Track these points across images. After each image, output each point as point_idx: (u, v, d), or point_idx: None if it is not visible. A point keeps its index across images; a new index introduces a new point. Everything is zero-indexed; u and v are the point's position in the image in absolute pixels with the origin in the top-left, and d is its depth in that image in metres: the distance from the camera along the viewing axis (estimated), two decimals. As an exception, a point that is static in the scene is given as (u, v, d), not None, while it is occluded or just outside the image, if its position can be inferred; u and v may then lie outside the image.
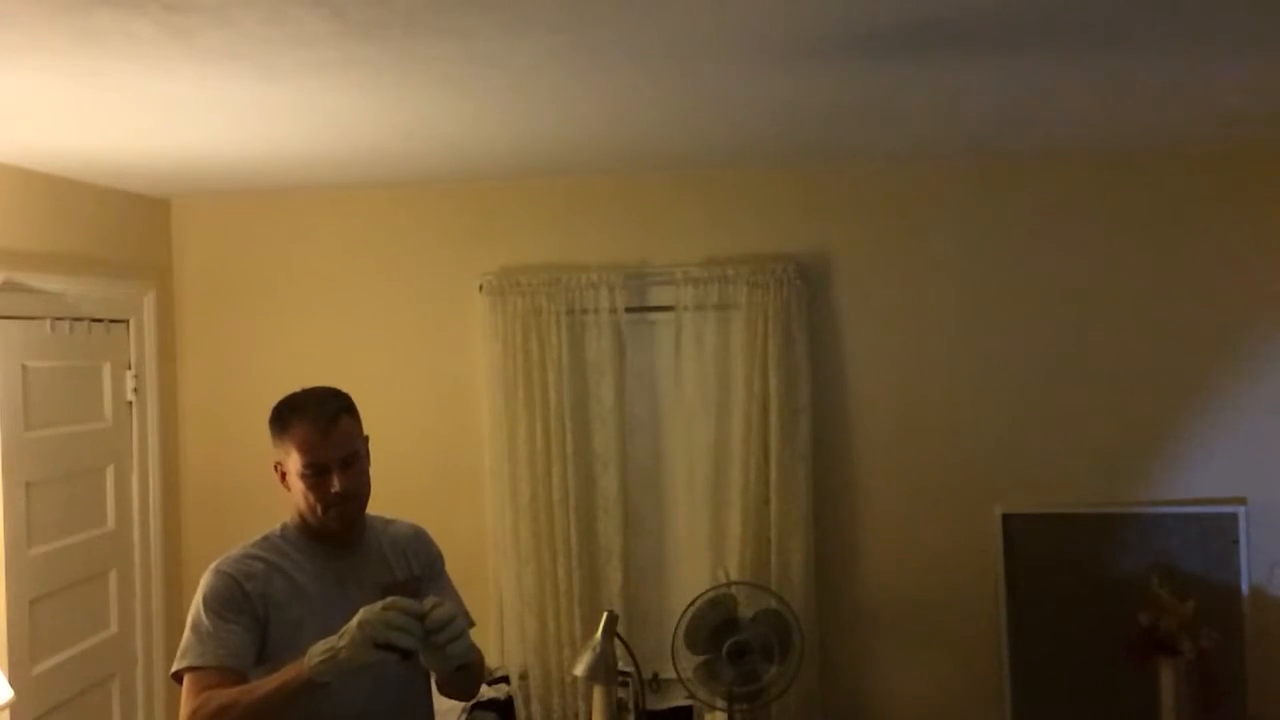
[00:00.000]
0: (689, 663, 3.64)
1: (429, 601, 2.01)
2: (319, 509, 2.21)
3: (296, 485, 2.22)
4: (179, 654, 2.13)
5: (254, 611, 2.15)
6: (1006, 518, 4.03)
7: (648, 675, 3.96)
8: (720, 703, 3.66)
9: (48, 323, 3.63)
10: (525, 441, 4.11)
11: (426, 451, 4.22)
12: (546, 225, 4.25)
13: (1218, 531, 3.91)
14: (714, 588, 3.71)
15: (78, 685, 3.73)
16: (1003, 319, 4.07)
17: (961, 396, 4.09)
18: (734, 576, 3.92)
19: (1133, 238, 4.01)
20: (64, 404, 3.71)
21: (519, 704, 4.09)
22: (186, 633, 2.15)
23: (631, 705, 3.75)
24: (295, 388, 4.64)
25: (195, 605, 2.16)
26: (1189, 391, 3.99)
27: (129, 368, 4.07)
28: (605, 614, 3.41)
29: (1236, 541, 3.89)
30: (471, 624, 2.39)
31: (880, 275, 4.13)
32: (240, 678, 2.08)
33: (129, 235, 4.17)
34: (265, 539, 2.28)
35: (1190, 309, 3.99)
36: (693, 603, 3.64)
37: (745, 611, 3.66)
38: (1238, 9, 2.30)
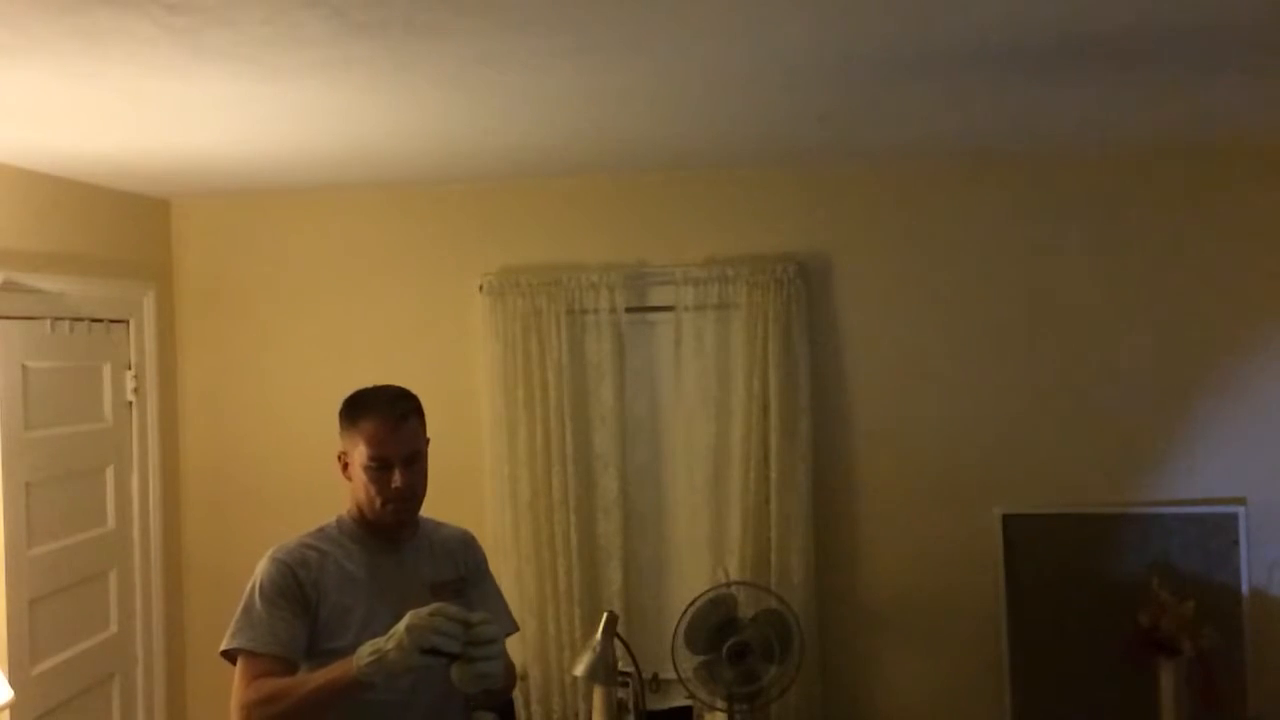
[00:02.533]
0: (689, 663, 3.64)
1: (479, 615, 2.07)
2: (378, 502, 2.29)
3: (359, 477, 2.30)
4: (230, 633, 2.22)
5: (305, 599, 2.23)
6: (1006, 518, 4.03)
7: (648, 675, 3.95)
8: (720, 703, 3.66)
9: (48, 323, 3.63)
10: (525, 441, 4.11)
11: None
12: (546, 225, 4.25)
13: (1218, 531, 3.91)
14: (714, 588, 3.71)
15: (78, 685, 3.73)
16: (1003, 319, 4.07)
17: (961, 396, 4.08)
18: (734, 576, 3.92)
19: (1133, 238, 4.01)
20: (64, 404, 3.71)
21: (519, 704, 4.09)
22: (239, 614, 2.24)
23: (631, 705, 3.74)
24: (295, 387, 4.67)
25: (250, 589, 2.25)
26: (1189, 392, 3.99)
27: (129, 368, 4.07)
28: (605, 614, 3.41)
29: (1236, 541, 3.89)
30: (515, 629, 2.43)
31: (880, 275, 4.13)
32: (291, 667, 2.18)
33: (129, 235, 4.17)
34: (321, 530, 2.36)
35: (1190, 309, 3.98)
36: (693, 603, 3.64)
37: (745, 611, 3.66)
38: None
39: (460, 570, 2.43)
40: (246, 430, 4.36)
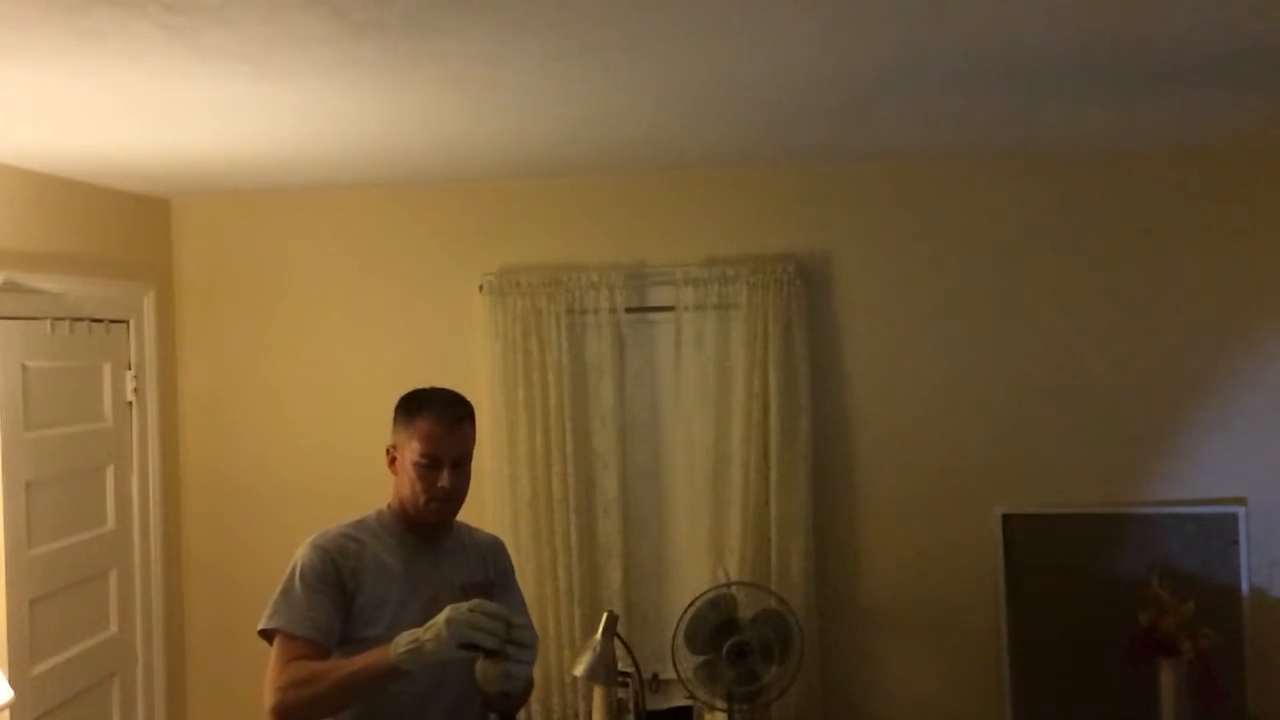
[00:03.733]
0: (689, 663, 3.64)
1: (518, 618, 2.12)
2: (423, 499, 2.35)
3: (407, 473, 2.36)
4: (268, 613, 2.26)
5: (344, 587, 2.28)
6: (1006, 518, 4.03)
7: (648, 675, 3.96)
8: (720, 703, 3.66)
9: (48, 323, 3.63)
10: (525, 441, 4.11)
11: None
12: (546, 225, 4.25)
13: (1218, 531, 3.91)
14: (714, 588, 3.71)
15: (78, 685, 3.73)
16: (1003, 319, 4.07)
17: (961, 396, 4.09)
18: (734, 576, 3.92)
19: (1132, 237, 4.01)
20: (64, 404, 3.71)
21: (519, 704, 4.09)
22: (277, 595, 2.28)
23: (631, 705, 3.75)
24: (295, 387, 4.67)
25: (291, 572, 2.30)
26: (1189, 392, 3.99)
27: (129, 368, 4.07)
28: (605, 614, 3.41)
29: (1236, 541, 3.89)
30: (537, 638, 2.48)
31: (880, 275, 4.13)
32: (325, 652, 2.23)
33: (129, 235, 4.17)
34: (361, 521, 2.42)
35: (1190, 309, 3.99)
36: (693, 603, 3.64)
37: (745, 611, 3.66)
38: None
39: (489, 574, 2.49)
40: (246, 430, 4.36)
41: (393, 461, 2.41)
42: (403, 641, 2.06)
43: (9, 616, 3.37)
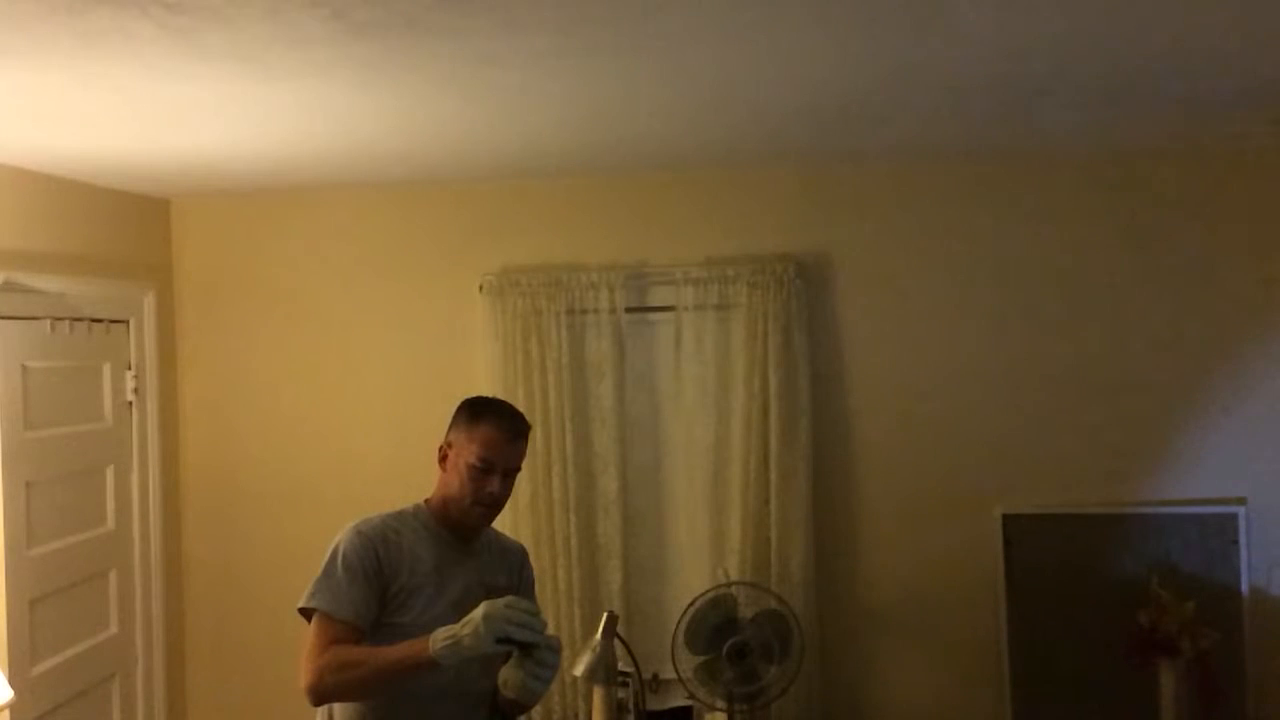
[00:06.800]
0: (689, 663, 3.64)
1: (553, 633, 2.20)
2: (468, 501, 2.42)
3: (459, 473, 2.43)
4: (310, 593, 2.33)
5: (381, 575, 2.35)
6: (1006, 518, 4.03)
7: (648, 675, 3.96)
8: (720, 703, 3.66)
9: (48, 323, 3.63)
10: (525, 441, 4.11)
11: (426, 451, 4.20)
12: (546, 225, 4.25)
13: (1218, 531, 3.91)
14: (714, 588, 3.72)
15: (78, 685, 3.73)
16: (1003, 319, 4.07)
17: (961, 396, 4.09)
18: (734, 576, 3.92)
19: (1132, 238, 4.01)
20: (64, 404, 3.71)
21: (519, 704, 4.09)
22: (319, 576, 2.35)
23: (631, 705, 3.74)
24: (295, 387, 4.67)
25: (333, 555, 2.36)
26: (1189, 392, 3.99)
27: (129, 368, 4.07)
28: (605, 614, 3.41)
29: (1236, 541, 3.89)
30: None
31: (880, 275, 4.13)
32: (362, 636, 2.29)
33: (129, 235, 4.17)
34: (400, 513, 2.48)
35: (1190, 309, 3.99)
36: (693, 603, 3.64)
37: (745, 611, 3.66)
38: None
39: (513, 581, 2.55)
40: (246, 430, 4.36)
41: (443, 459, 2.47)
42: (440, 637, 2.12)
43: (9, 616, 3.37)
